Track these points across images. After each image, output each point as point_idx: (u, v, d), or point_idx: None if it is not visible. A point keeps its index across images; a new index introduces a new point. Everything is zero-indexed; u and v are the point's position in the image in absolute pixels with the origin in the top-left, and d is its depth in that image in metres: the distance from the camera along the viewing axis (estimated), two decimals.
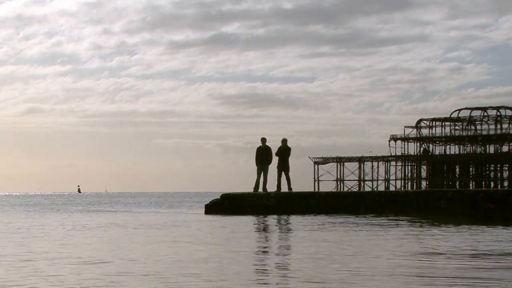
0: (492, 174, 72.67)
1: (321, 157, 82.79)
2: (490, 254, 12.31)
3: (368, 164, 79.95)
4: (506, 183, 69.54)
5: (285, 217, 26.41)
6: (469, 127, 73.73)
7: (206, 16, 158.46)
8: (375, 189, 70.64)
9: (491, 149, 72.54)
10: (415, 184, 74.92)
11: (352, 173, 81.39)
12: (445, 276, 9.37)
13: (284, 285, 8.86)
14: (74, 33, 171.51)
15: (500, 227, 20.08)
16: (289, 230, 19.76)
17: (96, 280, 9.07)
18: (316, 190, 63.65)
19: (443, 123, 75.64)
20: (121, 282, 8.99)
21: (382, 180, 78.89)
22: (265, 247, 14.72)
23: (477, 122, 73.36)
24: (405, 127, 77.50)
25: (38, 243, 15.28)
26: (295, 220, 24.02)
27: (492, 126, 72.14)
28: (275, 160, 30.61)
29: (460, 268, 10.29)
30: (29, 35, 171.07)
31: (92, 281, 9.02)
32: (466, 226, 20.47)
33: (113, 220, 26.88)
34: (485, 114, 73.75)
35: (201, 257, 12.30)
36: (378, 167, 79.43)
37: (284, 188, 30.66)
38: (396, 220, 23.73)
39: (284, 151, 30.68)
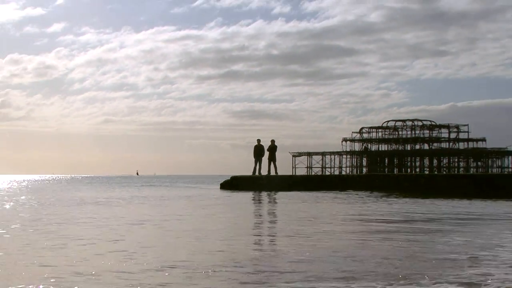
0: (409, 164, 72.79)
1: (297, 152, 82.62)
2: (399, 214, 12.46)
3: (328, 157, 79.84)
4: (418, 170, 69.72)
5: (273, 192, 26.46)
6: (394, 133, 73.92)
7: (221, 59, 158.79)
8: (333, 173, 70.58)
9: (408, 147, 72.73)
10: (358, 170, 74.90)
11: (317, 162, 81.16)
12: (368, 233, 9.47)
13: (272, 238, 8.97)
14: (134, 70, 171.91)
15: (409, 198, 20.17)
16: (275, 201, 19.81)
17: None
18: (294, 174, 63.50)
19: (377, 130, 75.63)
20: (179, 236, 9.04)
21: (337, 167, 78.71)
22: (259, 212, 14.79)
23: (399, 130, 73.49)
24: (352, 132, 77.23)
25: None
26: (280, 195, 24.05)
27: (409, 132, 72.36)
28: (266, 154, 30.66)
29: (384, 227, 10.39)
30: (105, 71, 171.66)
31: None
32: (390, 198, 20.55)
33: (164, 193, 26.84)
34: (405, 124, 73.90)
35: (218, 217, 12.41)
36: (334, 159, 79.29)
37: (273, 173, 30.72)
38: (345, 193, 23.82)
39: (273, 148, 30.76)
